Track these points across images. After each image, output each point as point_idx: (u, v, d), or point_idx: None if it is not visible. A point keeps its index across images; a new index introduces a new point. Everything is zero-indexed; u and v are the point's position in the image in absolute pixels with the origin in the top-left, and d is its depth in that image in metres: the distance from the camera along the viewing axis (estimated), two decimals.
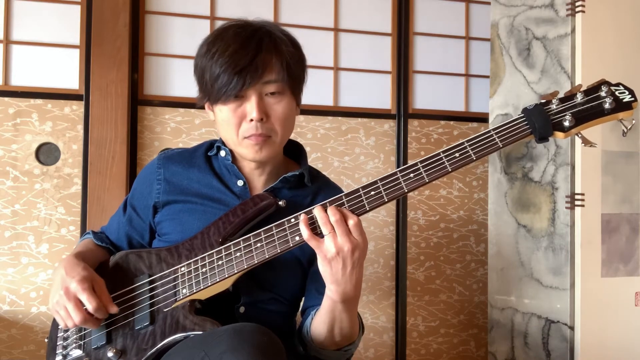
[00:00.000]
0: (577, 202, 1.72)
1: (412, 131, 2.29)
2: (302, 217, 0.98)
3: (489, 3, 2.21)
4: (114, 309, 1.03)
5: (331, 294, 0.99)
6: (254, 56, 1.03)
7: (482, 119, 2.34)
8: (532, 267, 1.87)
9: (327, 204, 0.99)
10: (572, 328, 1.73)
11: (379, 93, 2.28)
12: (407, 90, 2.28)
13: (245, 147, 1.09)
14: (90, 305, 0.99)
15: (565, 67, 1.76)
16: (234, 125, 1.07)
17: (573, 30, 1.75)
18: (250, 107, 1.05)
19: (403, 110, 2.26)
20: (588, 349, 1.72)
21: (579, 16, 1.73)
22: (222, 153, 1.17)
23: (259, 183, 1.16)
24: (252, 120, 1.06)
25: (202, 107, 1.16)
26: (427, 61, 2.34)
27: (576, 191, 1.73)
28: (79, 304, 1.00)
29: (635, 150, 1.81)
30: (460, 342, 2.35)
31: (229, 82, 1.03)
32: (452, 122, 2.35)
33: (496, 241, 2.05)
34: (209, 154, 1.19)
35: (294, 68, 1.08)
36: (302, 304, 1.21)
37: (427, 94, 2.34)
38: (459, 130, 2.35)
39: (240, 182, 1.15)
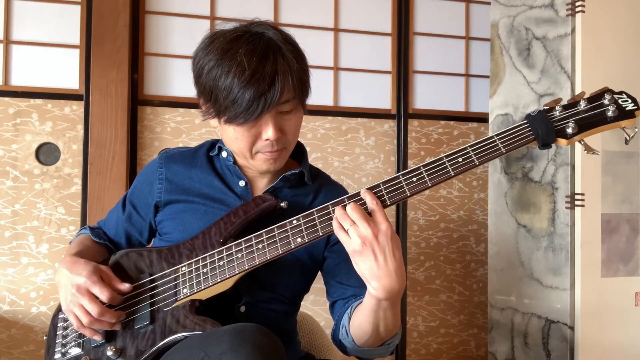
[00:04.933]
0: (577, 202, 1.72)
1: (412, 131, 2.29)
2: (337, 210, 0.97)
3: (489, 3, 2.21)
4: (125, 288, 1.04)
5: (375, 292, 0.94)
6: (272, 81, 1.00)
7: (482, 119, 2.34)
8: (532, 267, 1.87)
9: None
10: (572, 328, 1.73)
11: (379, 93, 2.29)
12: (407, 90, 2.28)
13: (258, 160, 1.09)
14: (103, 295, 1.00)
15: (565, 67, 1.76)
16: (247, 144, 1.06)
17: (573, 30, 1.75)
18: (267, 128, 1.03)
19: (403, 110, 2.26)
20: (588, 349, 1.72)
21: (579, 16, 1.73)
22: (224, 154, 1.17)
23: (261, 184, 1.16)
24: (267, 139, 1.04)
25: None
26: (427, 61, 2.34)
27: (576, 191, 1.73)
28: (93, 297, 1.00)
29: (635, 151, 1.81)
30: (460, 342, 2.35)
31: (247, 107, 1.00)
32: (452, 122, 2.35)
33: (496, 241, 2.05)
34: (210, 154, 1.19)
35: (304, 81, 1.07)
36: (329, 299, 1.18)
37: (427, 94, 2.34)
38: (459, 130, 2.36)
39: (242, 183, 1.15)
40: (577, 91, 1.72)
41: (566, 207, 1.74)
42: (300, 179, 1.17)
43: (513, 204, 1.97)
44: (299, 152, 1.22)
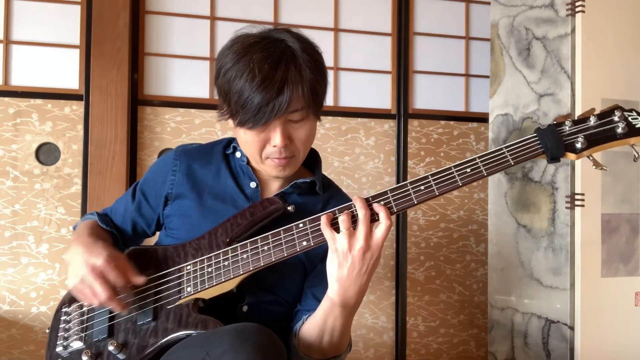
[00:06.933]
0: (577, 202, 1.72)
1: (412, 131, 2.29)
2: (327, 215, 0.99)
3: (489, 3, 2.22)
4: (140, 280, 1.03)
5: (332, 294, 0.98)
6: (280, 89, 1.00)
7: (482, 119, 2.35)
8: (532, 267, 1.87)
9: (337, 212, 0.99)
10: (572, 328, 1.73)
11: (379, 93, 2.29)
12: (407, 90, 2.28)
13: (267, 166, 1.10)
14: (117, 283, 1.00)
15: (565, 67, 1.76)
16: (257, 148, 1.07)
17: (573, 30, 1.75)
18: (275, 135, 1.04)
19: (403, 110, 2.27)
20: (588, 349, 1.72)
21: (579, 16, 1.74)
22: (238, 154, 1.18)
23: (273, 187, 1.17)
24: (275, 146, 1.05)
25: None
26: (427, 61, 2.34)
27: (576, 191, 1.73)
28: (104, 281, 1.00)
29: None
30: (460, 342, 2.35)
31: (255, 113, 1.01)
32: (452, 122, 2.35)
33: (496, 241, 2.05)
34: (226, 152, 1.20)
35: (318, 92, 1.07)
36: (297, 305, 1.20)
37: (427, 94, 2.34)
38: (459, 130, 2.36)
39: (253, 184, 1.15)
40: (577, 91, 1.73)
41: (566, 207, 1.74)
42: (311, 188, 1.17)
43: (513, 203, 1.97)
44: (313, 161, 1.22)
